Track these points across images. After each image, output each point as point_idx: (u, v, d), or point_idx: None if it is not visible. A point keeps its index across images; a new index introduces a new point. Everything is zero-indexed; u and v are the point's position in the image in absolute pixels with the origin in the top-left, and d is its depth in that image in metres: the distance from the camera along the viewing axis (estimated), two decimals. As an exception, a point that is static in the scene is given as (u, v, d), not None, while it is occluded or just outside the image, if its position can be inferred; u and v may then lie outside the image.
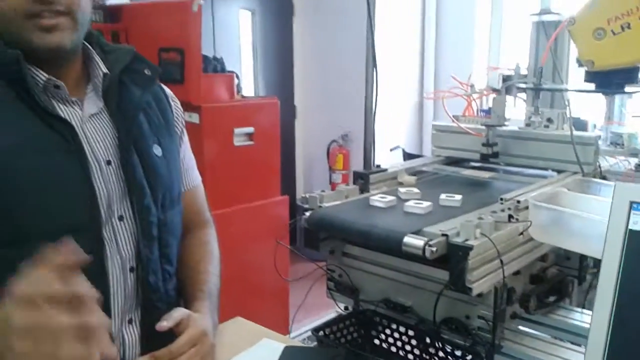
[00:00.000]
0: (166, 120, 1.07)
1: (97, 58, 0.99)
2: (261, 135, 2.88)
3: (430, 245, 1.03)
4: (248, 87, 4.63)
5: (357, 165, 2.66)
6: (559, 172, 1.48)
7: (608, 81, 0.95)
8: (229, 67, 2.99)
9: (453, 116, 1.69)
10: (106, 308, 0.90)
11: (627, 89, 0.97)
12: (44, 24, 0.85)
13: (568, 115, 1.42)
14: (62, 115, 0.90)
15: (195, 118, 2.66)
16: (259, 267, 2.64)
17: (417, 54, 4.31)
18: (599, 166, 1.45)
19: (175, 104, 1.14)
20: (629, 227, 0.66)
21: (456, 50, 4.10)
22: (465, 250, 1.02)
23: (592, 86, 1.00)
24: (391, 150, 3.94)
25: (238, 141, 2.80)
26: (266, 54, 4.82)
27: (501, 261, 1.06)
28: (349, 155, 4.15)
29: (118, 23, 2.77)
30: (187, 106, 2.69)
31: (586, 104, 2.63)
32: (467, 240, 1.04)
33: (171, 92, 1.14)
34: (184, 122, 1.15)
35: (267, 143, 2.92)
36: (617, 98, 2.52)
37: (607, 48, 0.87)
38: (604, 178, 1.44)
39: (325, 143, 4.27)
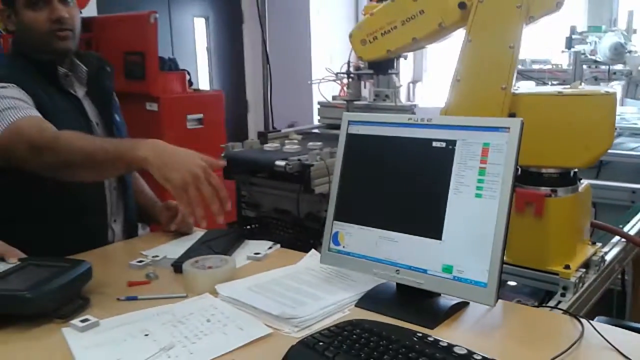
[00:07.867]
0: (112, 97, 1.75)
1: (77, 61, 1.65)
2: (209, 120, 3.61)
3: (289, 164, 1.77)
4: (204, 84, 5.33)
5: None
6: (395, 130, 2.24)
7: (378, 67, 1.71)
8: (186, 67, 3.73)
9: (332, 96, 2.46)
10: (104, 211, 1.62)
11: (390, 71, 1.75)
12: (60, 35, 1.54)
13: (397, 93, 2.20)
14: (75, 94, 1.61)
15: (154, 107, 3.38)
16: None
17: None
18: (419, 125, 2.22)
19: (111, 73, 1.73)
20: (348, 132, 1.41)
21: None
22: (309, 166, 1.77)
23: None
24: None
25: (190, 125, 3.53)
26: (219, 55, 5.52)
27: (329, 175, 1.81)
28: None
29: (90, 33, 3.44)
30: (148, 97, 3.41)
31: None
32: (311, 162, 1.79)
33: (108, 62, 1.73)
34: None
35: (214, 126, 3.65)
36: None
37: (369, 50, 1.63)
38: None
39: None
